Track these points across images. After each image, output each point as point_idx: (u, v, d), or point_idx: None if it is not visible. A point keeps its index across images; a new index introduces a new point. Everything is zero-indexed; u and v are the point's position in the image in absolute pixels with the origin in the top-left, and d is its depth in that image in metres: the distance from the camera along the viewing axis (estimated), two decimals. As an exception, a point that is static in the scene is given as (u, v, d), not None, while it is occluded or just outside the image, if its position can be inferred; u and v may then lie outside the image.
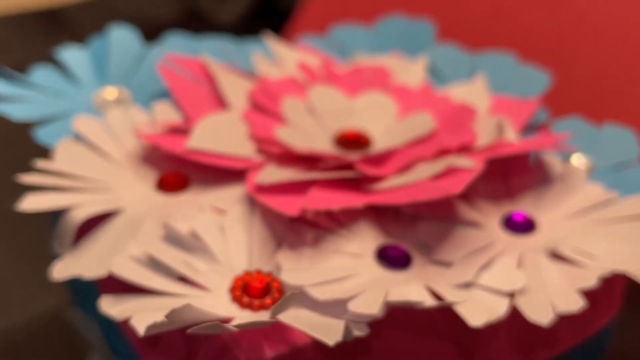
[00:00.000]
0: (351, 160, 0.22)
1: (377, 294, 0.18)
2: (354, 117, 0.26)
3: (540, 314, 0.19)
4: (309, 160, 0.22)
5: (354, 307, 0.17)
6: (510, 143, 0.23)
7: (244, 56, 0.29)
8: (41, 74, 0.27)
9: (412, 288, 0.19)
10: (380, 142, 0.25)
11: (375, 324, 0.18)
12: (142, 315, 0.17)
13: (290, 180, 0.21)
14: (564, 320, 0.22)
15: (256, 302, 0.18)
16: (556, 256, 0.21)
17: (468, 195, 0.23)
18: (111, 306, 0.18)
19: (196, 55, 0.28)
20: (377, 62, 0.29)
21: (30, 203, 0.20)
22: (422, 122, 0.25)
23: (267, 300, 0.19)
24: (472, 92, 0.27)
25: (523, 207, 0.23)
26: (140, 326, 0.16)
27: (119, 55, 0.27)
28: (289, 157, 0.22)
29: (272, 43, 0.28)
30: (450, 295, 0.19)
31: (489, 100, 0.27)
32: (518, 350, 0.22)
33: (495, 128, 0.23)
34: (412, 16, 0.32)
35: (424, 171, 0.21)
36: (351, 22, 0.32)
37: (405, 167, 0.22)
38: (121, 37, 0.28)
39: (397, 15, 0.32)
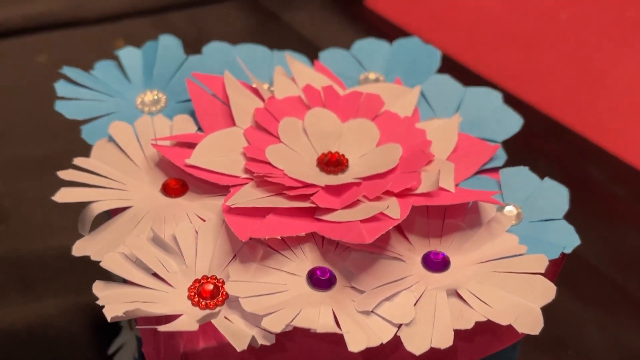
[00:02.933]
0: (311, 192, 0.28)
1: (289, 314, 0.24)
2: (340, 140, 0.31)
3: (416, 346, 0.24)
4: (280, 185, 0.28)
5: (265, 323, 0.24)
6: (448, 192, 0.28)
7: (270, 66, 0.35)
8: (101, 72, 0.33)
9: (322, 310, 0.25)
10: (357, 165, 0.30)
11: (291, 330, 0.24)
12: (112, 306, 0.24)
13: (253, 205, 0.27)
14: (464, 342, 0.27)
15: (203, 302, 0.25)
16: (457, 295, 0.26)
17: (407, 228, 0.28)
18: (100, 290, 0.25)
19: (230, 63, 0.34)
20: (375, 88, 0.33)
21: (62, 196, 0.27)
22: (392, 153, 0.30)
23: (212, 302, 0.25)
24: (447, 128, 0.32)
25: (447, 246, 0.28)
26: (108, 314, 0.23)
27: (163, 61, 0.33)
28: (264, 180, 0.28)
29: (291, 61, 0.34)
30: (349, 320, 0.25)
31: (456, 138, 0.31)
32: (419, 360, 0.28)
33: (436, 176, 0.28)
34: (425, 42, 0.36)
35: (360, 212, 0.27)
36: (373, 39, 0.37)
37: (352, 203, 0.28)
38: (168, 44, 0.34)
39: (414, 39, 0.36)
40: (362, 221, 0.26)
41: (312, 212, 0.27)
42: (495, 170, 0.31)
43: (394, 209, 0.27)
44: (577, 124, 0.55)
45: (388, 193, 0.28)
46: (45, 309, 0.40)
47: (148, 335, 0.27)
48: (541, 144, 0.55)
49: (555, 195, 0.29)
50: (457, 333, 0.25)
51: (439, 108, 0.34)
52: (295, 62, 0.34)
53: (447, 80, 0.35)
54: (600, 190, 0.52)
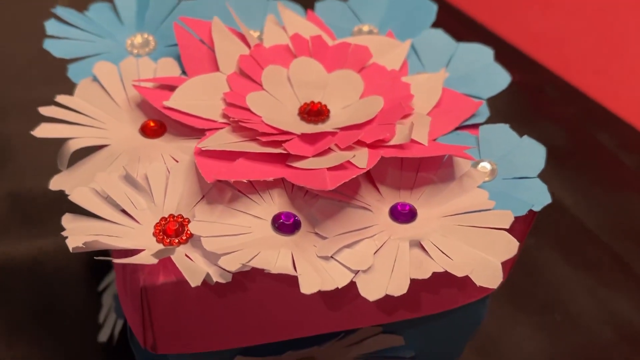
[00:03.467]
0: (285, 139, 0.28)
1: (247, 254, 0.25)
2: (325, 91, 0.31)
3: (370, 292, 0.25)
4: (254, 131, 0.28)
5: (222, 262, 0.24)
6: (420, 145, 0.28)
7: (264, 15, 0.35)
8: (95, 13, 0.34)
9: (281, 253, 0.25)
10: (339, 116, 0.30)
11: (252, 271, 0.25)
12: (74, 237, 0.24)
13: (224, 149, 0.27)
14: (428, 293, 0.28)
15: (168, 240, 0.26)
16: (420, 246, 0.26)
17: (378, 179, 0.29)
18: (68, 222, 0.26)
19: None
20: (365, 40, 0.33)
21: (41, 131, 0.28)
22: (373, 105, 0.30)
23: (175, 240, 0.26)
24: (432, 82, 0.32)
25: (417, 199, 0.28)
26: (70, 245, 0.24)
27: (156, 5, 0.34)
28: (239, 126, 0.29)
29: (282, 9, 0.34)
30: (306, 263, 0.25)
31: (440, 93, 0.31)
32: (381, 308, 0.28)
33: (409, 129, 0.28)
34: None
35: (329, 160, 0.27)
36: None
37: (324, 152, 0.28)
38: (161, -13, 0.34)
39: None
40: (329, 169, 0.26)
41: (284, 159, 0.28)
42: (476, 126, 0.31)
43: (362, 159, 0.27)
44: (592, 89, 0.54)
45: (360, 143, 0.28)
46: (44, 245, 0.41)
47: (118, 270, 0.27)
48: (553, 107, 0.54)
49: (532, 154, 0.29)
50: (422, 285, 0.25)
51: (429, 62, 0.34)
52: (287, 10, 0.34)
53: (439, 35, 0.34)
54: (609, 157, 0.51)
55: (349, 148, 0.28)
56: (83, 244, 0.24)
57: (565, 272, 0.43)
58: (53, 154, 0.45)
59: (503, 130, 0.30)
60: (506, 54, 0.58)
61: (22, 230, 0.42)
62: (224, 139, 0.28)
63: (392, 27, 0.35)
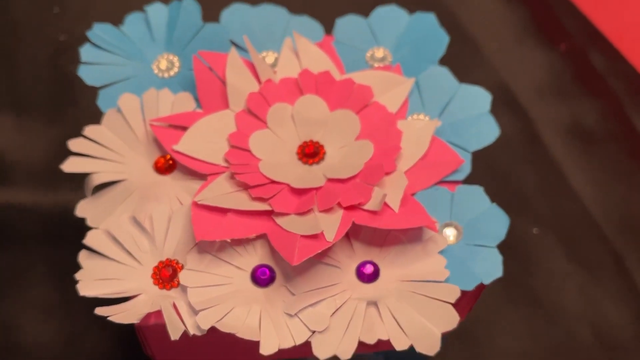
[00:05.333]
0: (274, 192, 0.32)
1: (221, 311, 0.30)
2: (325, 129, 0.35)
3: (321, 352, 0.30)
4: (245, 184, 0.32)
5: (198, 319, 0.29)
6: (392, 213, 0.31)
7: (285, 31, 0.38)
8: (129, 27, 0.37)
9: (251, 310, 0.30)
10: (333, 157, 0.34)
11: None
12: (84, 283, 0.30)
13: (217, 205, 0.31)
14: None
15: (161, 283, 0.31)
16: (375, 305, 0.31)
17: (353, 234, 0.32)
18: (84, 259, 0.31)
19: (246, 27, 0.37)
20: (371, 76, 0.36)
21: (69, 165, 0.33)
22: (364, 150, 0.33)
23: (167, 285, 0.31)
24: (423, 132, 0.34)
25: (383, 257, 0.32)
26: (81, 291, 0.30)
27: (182, 26, 0.37)
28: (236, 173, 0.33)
29: (297, 38, 0.36)
30: (270, 324, 0.30)
31: (428, 145, 0.34)
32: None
33: (382, 197, 0.31)
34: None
35: (306, 224, 0.31)
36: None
37: (305, 212, 0.32)
38: (188, 8, 0.37)
39: (430, 16, 0.38)
40: (301, 236, 0.30)
41: (270, 212, 0.32)
42: (454, 183, 0.34)
43: (332, 229, 0.30)
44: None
45: (338, 204, 0.32)
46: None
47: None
48: (595, 81, 0.54)
49: (497, 223, 0.32)
50: None
51: (429, 102, 0.36)
52: (302, 39, 0.36)
53: (444, 73, 0.36)
54: (633, 146, 0.52)
55: (327, 210, 0.31)
56: (94, 294, 0.29)
57: (560, 263, 0.47)
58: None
59: (477, 193, 0.33)
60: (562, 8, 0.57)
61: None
62: (219, 189, 0.32)
63: (405, 51, 0.37)
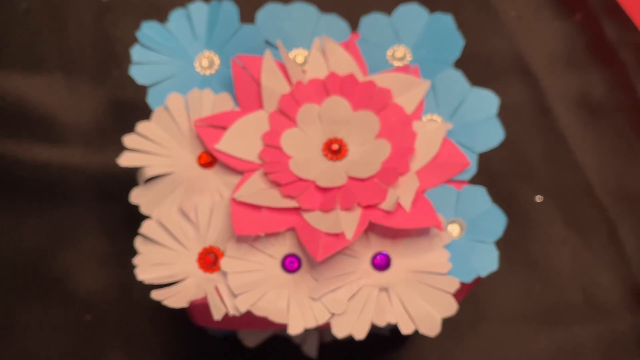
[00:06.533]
0: (302, 189, 0.37)
1: (256, 295, 0.35)
2: (348, 127, 0.39)
3: (339, 331, 0.35)
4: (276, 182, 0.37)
5: (237, 302, 0.35)
6: (404, 213, 0.36)
7: (316, 29, 0.41)
8: (174, 24, 0.41)
9: (281, 294, 0.36)
10: (355, 153, 0.39)
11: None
12: (141, 268, 0.35)
13: (252, 202, 0.36)
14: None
15: (205, 268, 0.36)
16: (386, 291, 0.36)
17: (368, 228, 0.37)
18: (140, 245, 0.37)
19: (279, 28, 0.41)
20: (390, 78, 0.40)
21: (124, 160, 0.38)
22: (382, 149, 0.38)
23: (210, 269, 0.36)
24: (435, 134, 0.39)
25: (395, 249, 0.37)
26: (139, 276, 0.35)
27: (221, 26, 0.41)
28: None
29: (326, 41, 0.40)
30: (297, 307, 0.35)
31: (439, 147, 0.38)
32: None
33: (396, 198, 0.36)
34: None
35: (330, 221, 0.36)
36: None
37: (329, 209, 0.36)
38: (227, 9, 0.41)
39: (447, 17, 0.41)
40: (325, 234, 0.36)
41: (299, 207, 0.37)
42: (460, 182, 0.38)
43: (350, 229, 0.35)
44: None
45: (357, 203, 0.37)
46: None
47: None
48: (605, 51, 0.57)
49: (496, 222, 0.37)
50: None
51: (442, 103, 0.40)
52: (329, 41, 0.40)
53: (458, 77, 0.40)
54: (638, 118, 0.55)
55: (347, 208, 0.36)
56: (146, 281, 0.35)
57: (558, 228, 0.51)
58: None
59: (480, 193, 0.37)
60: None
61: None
62: (255, 186, 0.37)
63: (423, 51, 0.41)
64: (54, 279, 0.49)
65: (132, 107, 0.54)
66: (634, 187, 0.52)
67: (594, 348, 0.47)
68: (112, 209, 0.51)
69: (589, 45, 0.57)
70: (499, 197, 0.48)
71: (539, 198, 0.50)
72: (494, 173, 0.52)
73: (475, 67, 0.53)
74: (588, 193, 0.52)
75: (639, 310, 0.48)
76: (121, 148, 0.51)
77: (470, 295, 0.49)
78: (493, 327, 0.48)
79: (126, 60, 0.56)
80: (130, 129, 0.53)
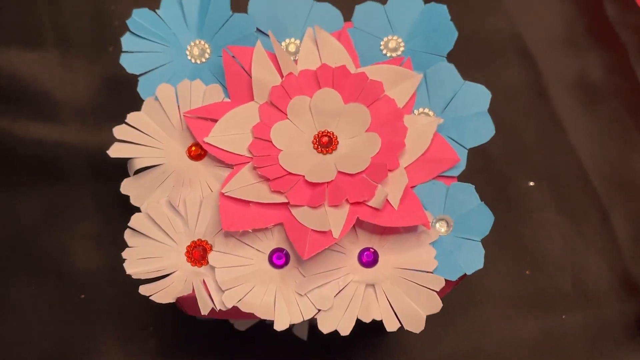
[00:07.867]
0: (291, 183, 0.37)
1: (243, 290, 0.36)
2: (338, 119, 0.39)
3: (325, 327, 0.36)
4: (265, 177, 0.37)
5: (224, 298, 0.35)
6: (392, 211, 0.36)
7: (309, 18, 0.41)
8: (165, 11, 0.40)
9: (268, 289, 0.36)
10: (345, 146, 0.39)
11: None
12: (130, 262, 0.36)
13: (240, 197, 0.36)
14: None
15: (193, 261, 0.37)
16: (372, 287, 0.36)
17: (356, 224, 0.38)
18: (129, 237, 0.37)
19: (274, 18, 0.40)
20: (382, 70, 0.40)
21: (114, 151, 0.38)
22: (372, 144, 0.38)
23: (199, 263, 0.37)
24: (426, 129, 0.39)
25: (383, 245, 0.37)
26: (127, 270, 0.36)
27: (212, 14, 0.40)
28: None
29: (318, 31, 0.40)
30: (283, 302, 0.36)
31: (429, 142, 0.38)
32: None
33: (384, 196, 0.36)
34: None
35: (317, 218, 0.36)
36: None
37: (317, 204, 0.37)
38: (220, -1, 0.40)
39: (442, 8, 0.41)
40: (312, 231, 0.36)
41: (287, 202, 0.37)
42: (449, 178, 0.38)
43: (338, 227, 0.36)
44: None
45: (346, 200, 0.37)
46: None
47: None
48: (606, 33, 0.56)
49: (483, 220, 0.37)
50: None
51: (434, 96, 0.40)
52: (322, 32, 0.40)
53: (450, 70, 0.40)
54: (635, 102, 0.55)
55: (335, 205, 0.36)
56: (135, 275, 0.35)
57: (551, 216, 0.52)
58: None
59: (468, 190, 0.38)
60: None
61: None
62: (243, 180, 0.37)
63: (416, 42, 0.41)
64: (49, 257, 0.49)
65: (128, 85, 0.54)
66: (628, 173, 0.52)
67: (582, 335, 0.48)
68: (107, 187, 0.51)
69: (589, 27, 0.56)
70: (493, 180, 0.48)
71: (532, 183, 0.50)
72: (489, 156, 0.51)
73: (474, 47, 0.52)
74: (582, 178, 0.52)
75: (628, 298, 0.48)
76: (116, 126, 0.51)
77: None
78: (483, 312, 0.49)
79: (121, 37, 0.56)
80: (125, 106, 0.53)
